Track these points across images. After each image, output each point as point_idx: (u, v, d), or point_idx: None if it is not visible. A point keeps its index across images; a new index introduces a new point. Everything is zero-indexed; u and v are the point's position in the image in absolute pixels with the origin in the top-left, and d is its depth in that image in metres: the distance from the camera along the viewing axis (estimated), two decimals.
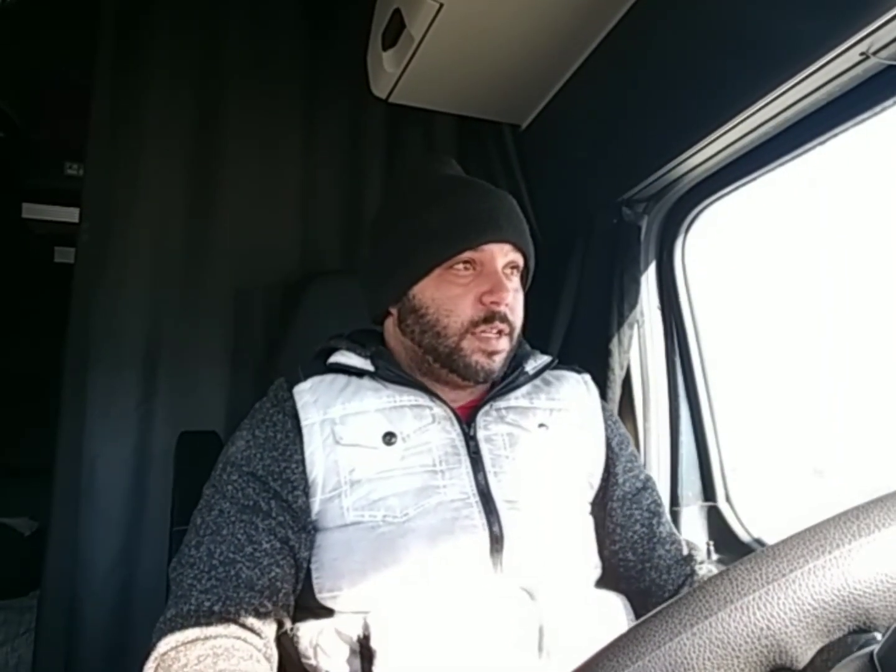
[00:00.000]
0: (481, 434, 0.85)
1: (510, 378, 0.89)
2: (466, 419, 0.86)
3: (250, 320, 1.42)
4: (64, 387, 1.28)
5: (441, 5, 1.11)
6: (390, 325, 0.91)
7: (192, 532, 0.77)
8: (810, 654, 0.30)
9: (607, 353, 1.24)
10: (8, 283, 2.46)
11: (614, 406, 1.25)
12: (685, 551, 0.90)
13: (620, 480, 0.92)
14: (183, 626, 0.67)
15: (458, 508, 0.78)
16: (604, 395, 1.22)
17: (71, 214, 1.99)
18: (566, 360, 1.03)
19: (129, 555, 1.26)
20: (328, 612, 0.76)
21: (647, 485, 0.95)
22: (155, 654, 0.65)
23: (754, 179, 1.11)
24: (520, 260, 0.88)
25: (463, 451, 0.83)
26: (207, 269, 1.40)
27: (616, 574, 0.89)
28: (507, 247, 0.85)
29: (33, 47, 2.05)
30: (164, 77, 1.40)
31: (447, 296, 0.83)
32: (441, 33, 1.18)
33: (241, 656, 0.65)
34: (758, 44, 0.90)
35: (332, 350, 0.90)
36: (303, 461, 0.80)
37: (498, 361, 0.85)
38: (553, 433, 0.89)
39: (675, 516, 1.24)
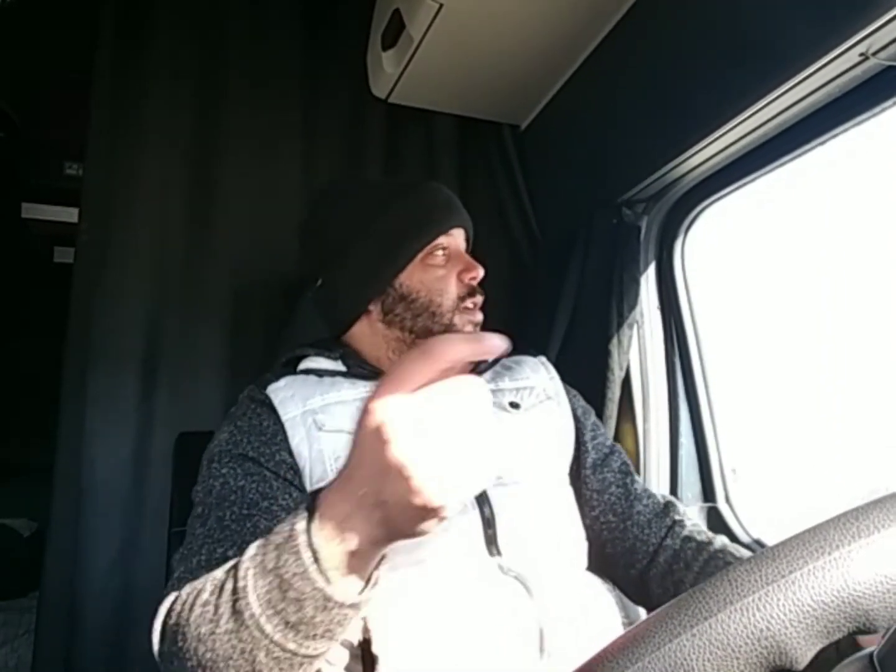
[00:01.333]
0: None
1: (471, 365, 0.92)
2: None
3: (250, 320, 1.42)
4: (64, 387, 1.28)
5: (441, 5, 1.11)
6: (365, 325, 0.93)
7: (191, 530, 0.73)
8: (810, 655, 0.30)
9: (607, 354, 1.24)
10: (8, 283, 2.46)
11: (614, 406, 1.25)
12: (661, 503, 0.93)
13: (590, 448, 0.96)
14: (193, 579, 0.59)
15: None
16: (603, 396, 1.22)
17: (71, 214, 1.99)
18: (566, 360, 1.04)
19: (129, 555, 1.26)
20: None
21: (614, 449, 0.99)
22: (162, 609, 0.59)
23: (754, 180, 1.11)
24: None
25: None
26: (207, 269, 1.40)
27: (601, 538, 0.92)
28: (464, 232, 0.95)
29: (33, 47, 2.04)
30: (164, 77, 1.40)
31: (434, 277, 0.90)
32: (441, 34, 1.18)
33: None
34: (757, 45, 0.90)
35: (300, 359, 0.92)
36: (291, 452, 0.80)
37: None
38: (525, 410, 0.92)
39: None
